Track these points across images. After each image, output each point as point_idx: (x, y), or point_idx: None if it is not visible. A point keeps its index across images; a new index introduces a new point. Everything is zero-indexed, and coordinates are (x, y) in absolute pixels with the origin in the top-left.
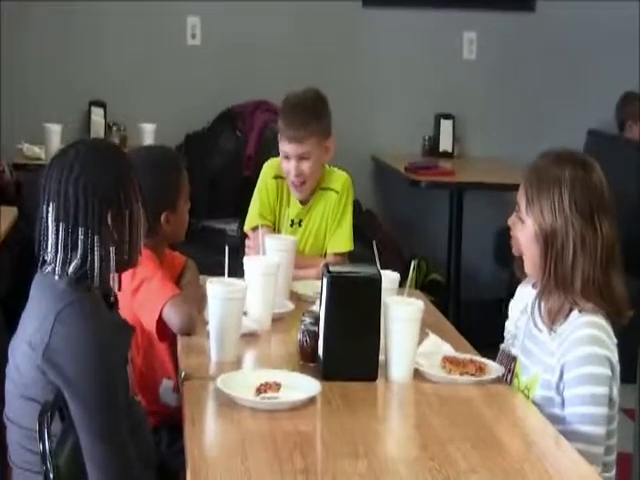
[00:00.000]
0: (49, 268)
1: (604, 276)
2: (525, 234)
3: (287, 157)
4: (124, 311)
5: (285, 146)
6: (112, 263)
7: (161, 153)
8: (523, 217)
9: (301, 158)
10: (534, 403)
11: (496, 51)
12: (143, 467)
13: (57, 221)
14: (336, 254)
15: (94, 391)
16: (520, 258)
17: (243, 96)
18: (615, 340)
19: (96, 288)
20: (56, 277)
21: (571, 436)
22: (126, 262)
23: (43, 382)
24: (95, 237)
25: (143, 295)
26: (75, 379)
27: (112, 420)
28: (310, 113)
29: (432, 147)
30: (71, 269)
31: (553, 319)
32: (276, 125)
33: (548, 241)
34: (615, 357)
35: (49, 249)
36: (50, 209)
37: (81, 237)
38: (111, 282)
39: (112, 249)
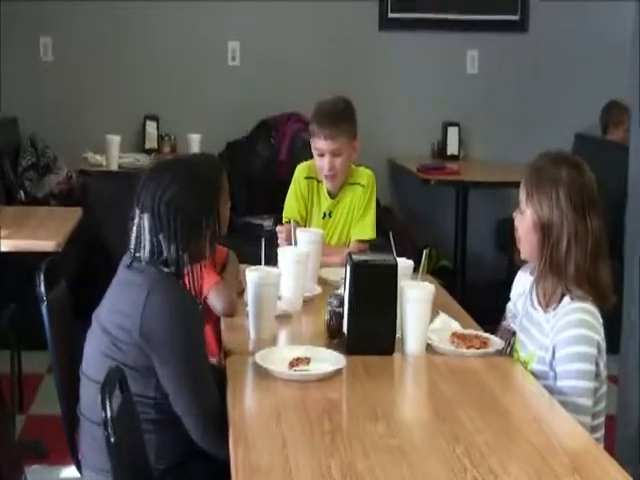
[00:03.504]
0: (142, 260)
1: (593, 265)
2: (524, 224)
3: (321, 154)
4: None
5: (320, 143)
6: (196, 277)
7: (203, 158)
8: (523, 209)
9: (334, 154)
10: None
11: (495, 66)
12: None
13: (152, 231)
14: (359, 241)
15: (182, 347)
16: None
17: (277, 108)
18: (601, 321)
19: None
20: (144, 263)
21: (562, 406)
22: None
23: (130, 342)
24: (185, 255)
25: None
26: (168, 340)
27: (199, 372)
28: (342, 115)
29: (440, 151)
30: (167, 270)
31: (547, 302)
32: (306, 134)
33: (545, 231)
34: (602, 338)
35: (143, 251)
36: (144, 218)
37: (173, 251)
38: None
39: (197, 267)
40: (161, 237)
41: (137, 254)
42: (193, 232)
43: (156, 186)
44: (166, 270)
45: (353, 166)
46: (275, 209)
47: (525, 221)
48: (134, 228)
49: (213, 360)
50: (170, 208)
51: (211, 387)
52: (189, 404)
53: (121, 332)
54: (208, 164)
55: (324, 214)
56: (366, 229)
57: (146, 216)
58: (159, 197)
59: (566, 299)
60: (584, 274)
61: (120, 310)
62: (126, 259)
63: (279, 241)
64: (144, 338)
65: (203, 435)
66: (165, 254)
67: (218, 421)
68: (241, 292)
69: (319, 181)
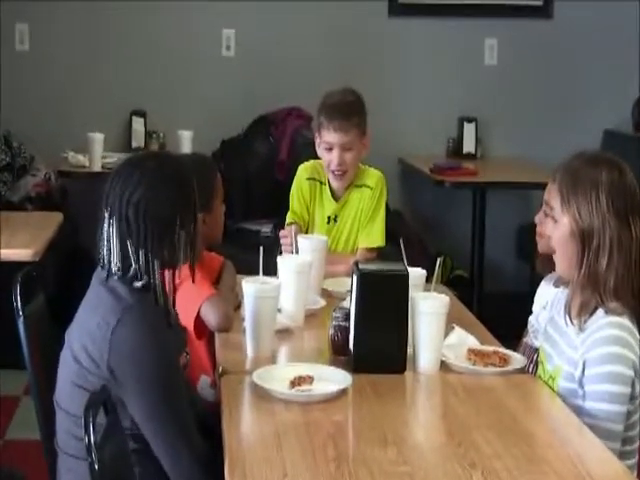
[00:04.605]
0: (113, 273)
1: (637, 275)
2: (559, 233)
3: (330, 148)
4: None
5: (329, 136)
6: (169, 285)
7: (196, 159)
8: (557, 216)
9: (344, 149)
10: (558, 394)
11: (516, 56)
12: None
13: (121, 236)
14: (367, 248)
15: (157, 386)
16: (544, 255)
17: (276, 103)
18: (639, 338)
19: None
20: (116, 279)
21: (590, 430)
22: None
23: (99, 374)
24: (155, 262)
25: (182, 295)
26: (138, 377)
27: (176, 412)
28: (353, 107)
29: (456, 149)
30: (138, 284)
31: (579, 313)
32: (308, 131)
33: (585, 240)
34: (639, 357)
35: (113, 259)
36: (113, 222)
37: (142, 258)
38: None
39: (170, 273)
40: (129, 244)
41: (112, 266)
42: (165, 237)
43: (124, 186)
44: (138, 285)
45: (361, 166)
46: (274, 214)
47: (560, 230)
48: (104, 235)
49: (207, 379)
50: (139, 210)
51: (189, 435)
52: (165, 456)
53: (89, 361)
54: (188, 161)
55: (328, 218)
56: (374, 235)
57: (114, 220)
58: (127, 198)
59: (600, 312)
60: (627, 285)
61: (89, 332)
62: (101, 272)
63: (283, 247)
64: (111, 373)
65: None
66: (134, 264)
67: (204, 476)
68: (238, 305)
69: (322, 183)
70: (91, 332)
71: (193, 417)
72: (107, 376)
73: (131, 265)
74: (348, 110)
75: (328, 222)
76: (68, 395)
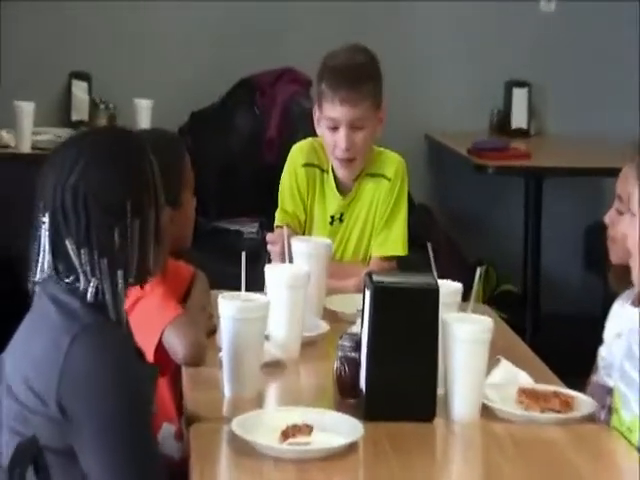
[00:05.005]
0: (60, 284)
1: None
2: (636, 232)
3: (335, 127)
4: None
5: (334, 111)
6: (121, 288)
7: (156, 137)
8: (635, 209)
9: (354, 127)
10: (639, 450)
11: (580, 2)
12: None
13: (57, 233)
14: (384, 258)
15: (122, 429)
16: (618, 266)
17: (263, 64)
18: None
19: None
20: (65, 291)
21: None
22: (136, 283)
23: (45, 413)
24: (103, 260)
25: (138, 316)
26: (96, 414)
27: (143, 466)
28: (364, 71)
29: (502, 123)
30: (89, 297)
31: None
32: (305, 99)
33: None
34: None
35: (46, 263)
36: (45, 219)
37: (86, 258)
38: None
39: (120, 273)
40: (68, 242)
41: (62, 275)
42: (113, 229)
43: (58, 170)
44: (91, 298)
45: (376, 149)
46: (260, 209)
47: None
48: (39, 236)
49: (171, 428)
50: (77, 196)
51: None
52: None
53: (32, 397)
54: (146, 138)
55: (332, 218)
56: (393, 240)
57: (48, 215)
58: (62, 184)
59: None
60: None
61: (32, 360)
62: (47, 286)
63: (271, 255)
64: (61, 410)
65: None
66: (78, 268)
67: None
68: (212, 330)
69: (324, 170)
70: (35, 359)
71: (166, 476)
72: (55, 415)
73: (74, 271)
74: (358, 75)
75: (332, 223)
76: (4, 447)
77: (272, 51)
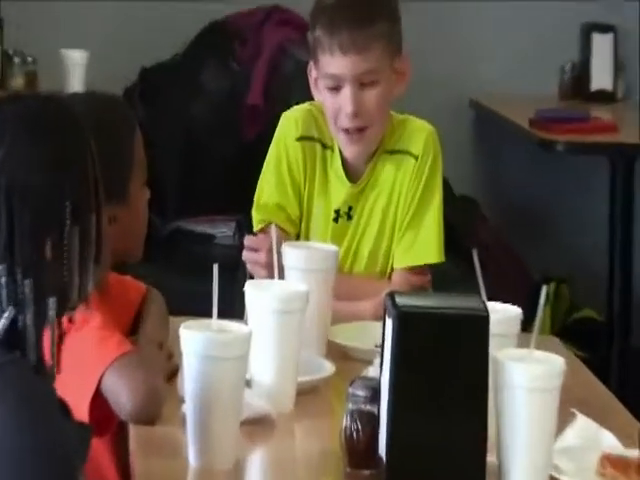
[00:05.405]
0: None
1: None
2: None
3: (336, 87)
4: None
5: (333, 64)
6: (50, 319)
7: (93, 104)
8: None
9: (362, 84)
10: None
11: None
12: None
13: None
14: (411, 269)
15: None
16: None
17: (241, 1)
18: None
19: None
20: None
21: None
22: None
23: None
24: (26, 281)
25: (67, 357)
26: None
27: None
28: (372, 6)
29: (577, 83)
30: (0, 330)
31: None
32: (299, 48)
33: None
34: None
35: None
36: None
37: (2, 280)
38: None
39: (51, 300)
40: None
41: None
42: (45, 239)
43: None
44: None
45: (395, 115)
46: (237, 205)
47: None
48: None
49: None
50: None
51: None
52: None
53: None
54: (80, 105)
55: (337, 213)
56: (423, 243)
57: None
58: None
59: None
60: None
61: None
62: None
63: (253, 268)
64: None
65: None
66: None
67: None
68: (173, 372)
69: (327, 146)
70: None
71: None
72: None
73: None
74: (365, 11)
75: (336, 220)
76: None
77: None
